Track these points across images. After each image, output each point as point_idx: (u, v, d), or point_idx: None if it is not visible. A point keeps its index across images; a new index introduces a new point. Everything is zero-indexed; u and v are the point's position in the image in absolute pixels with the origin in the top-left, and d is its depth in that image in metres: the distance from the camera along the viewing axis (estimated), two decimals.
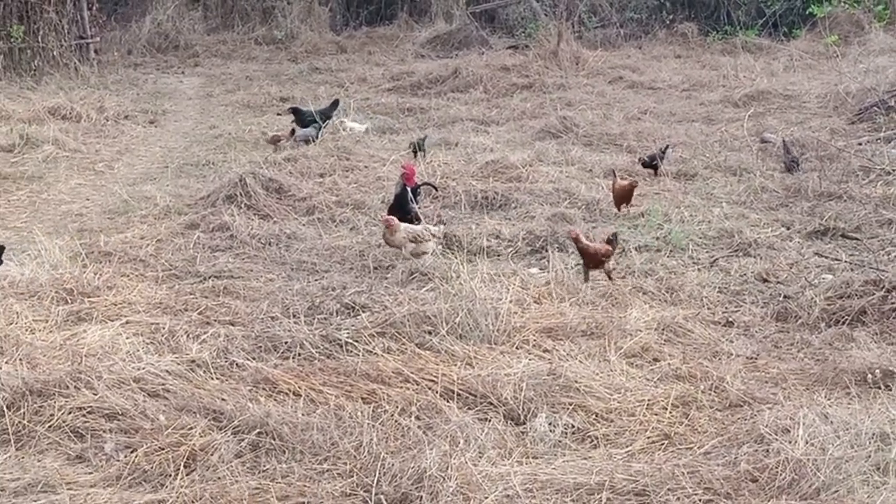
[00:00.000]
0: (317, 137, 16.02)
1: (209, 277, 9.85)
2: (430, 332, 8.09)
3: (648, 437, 6.57)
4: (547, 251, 10.43)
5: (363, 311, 8.69)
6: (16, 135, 16.86)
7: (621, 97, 20.56)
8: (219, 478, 5.92)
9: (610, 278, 9.52)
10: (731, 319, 8.74)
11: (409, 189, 10.99)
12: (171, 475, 6.01)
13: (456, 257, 9.75)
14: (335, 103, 17.58)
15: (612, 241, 9.69)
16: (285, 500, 5.59)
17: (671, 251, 10.54)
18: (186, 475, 5.99)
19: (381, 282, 9.55)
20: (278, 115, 20.43)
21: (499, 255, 10.45)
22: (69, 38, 25.04)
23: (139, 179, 14.90)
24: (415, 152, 10.85)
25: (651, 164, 13.80)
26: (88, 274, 9.72)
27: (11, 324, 8.59)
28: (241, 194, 12.44)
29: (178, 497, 5.65)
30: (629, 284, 9.43)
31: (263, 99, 22.04)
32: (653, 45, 27.00)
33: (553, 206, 12.05)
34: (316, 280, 9.76)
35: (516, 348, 7.91)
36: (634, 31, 28.38)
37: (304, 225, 11.74)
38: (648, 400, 7.03)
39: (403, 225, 10.30)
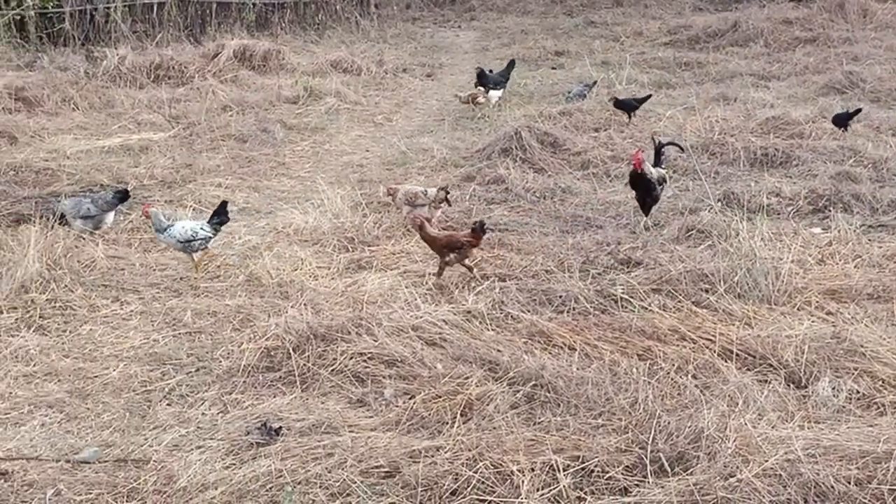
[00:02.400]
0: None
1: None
2: (707, 291, 7.93)
3: None
4: (830, 210, 10.05)
5: (638, 267, 8.61)
6: (300, 87, 17.49)
7: None
8: (494, 427, 5.97)
9: (470, 271, 8.69)
10: None
11: (644, 171, 10.14)
12: (447, 423, 6.10)
13: (735, 215, 9.50)
14: (511, 64, 17.30)
15: (476, 230, 8.71)
16: (560, 452, 5.57)
17: None
18: (463, 423, 6.07)
19: (656, 238, 9.42)
20: (553, 69, 20.42)
21: (779, 214, 10.13)
22: None
23: (416, 132, 15.18)
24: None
25: None
26: (368, 223, 9.97)
27: (296, 269, 8.92)
28: (516, 147, 12.52)
29: (455, 444, 5.71)
30: None
31: (538, 53, 22.10)
32: None
33: (837, 165, 11.59)
34: (590, 235, 9.71)
35: (798, 310, 7.65)
36: None
37: (578, 179, 11.70)
38: None
39: (402, 188, 10.35)
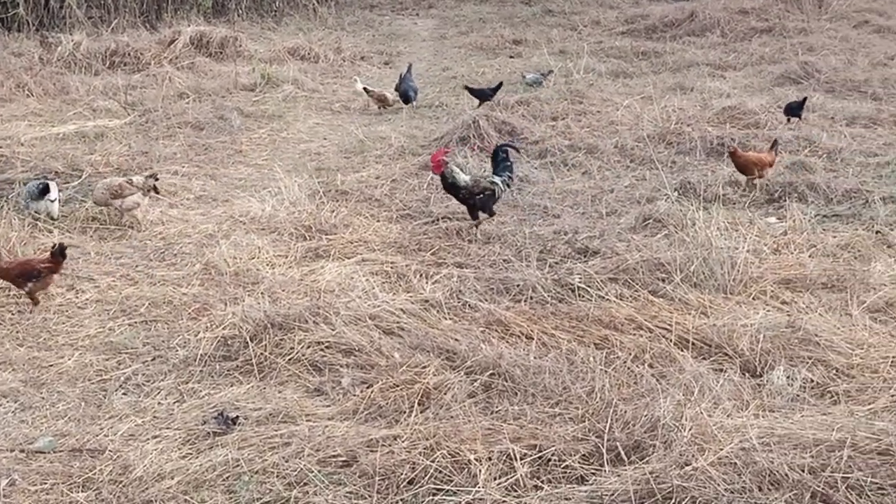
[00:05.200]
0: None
1: (442, 218, 9.93)
2: (663, 280, 7.97)
3: (893, 395, 6.30)
4: (785, 200, 10.11)
5: (595, 256, 8.65)
6: (257, 74, 17.39)
7: (866, 42, 19.79)
8: (452, 416, 5.98)
9: (34, 302, 7.97)
10: None
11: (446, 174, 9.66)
12: (405, 412, 6.10)
13: (691, 205, 9.54)
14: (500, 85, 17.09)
15: (55, 253, 7.99)
16: (518, 441, 5.59)
17: None
18: (420, 412, 6.07)
19: (613, 227, 9.45)
20: (510, 58, 20.43)
21: (734, 204, 10.18)
22: None
23: (374, 120, 15.14)
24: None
25: None
26: (325, 212, 9.95)
27: (254, 258, 8.90)
28: (473, 136, 12.55)
29: (412, 433, 5.72)
30: (872, 237, 9.04)
31: (496, 41, 22.07)
32: None
33: (792, 155, 11.68)
34: (548, 224, 9.74)
35: (753, 299, 7.71)
36: None
37: (536, 168, 11.73)
38: (894, 357, 6.74)
39: (101, 182, 10.13)
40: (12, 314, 7.88)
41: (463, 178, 9.60)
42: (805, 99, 13.54)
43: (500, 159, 9.97)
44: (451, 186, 9.64)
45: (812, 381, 6.47)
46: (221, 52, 19.53)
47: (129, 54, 18.78)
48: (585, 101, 14.78)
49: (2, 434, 6.13)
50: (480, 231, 9.48)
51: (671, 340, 6.91)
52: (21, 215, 9.60)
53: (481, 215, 9.60)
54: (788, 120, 13.17)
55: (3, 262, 7.94)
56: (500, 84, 15.47)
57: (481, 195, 9.57)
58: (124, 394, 6.65)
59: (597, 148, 12.25)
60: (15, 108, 15.13)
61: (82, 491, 5.48)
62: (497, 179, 9.71)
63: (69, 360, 7.13)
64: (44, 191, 9.77)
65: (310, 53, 19.99)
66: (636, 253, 8.40)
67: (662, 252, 8.36)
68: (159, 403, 6.48)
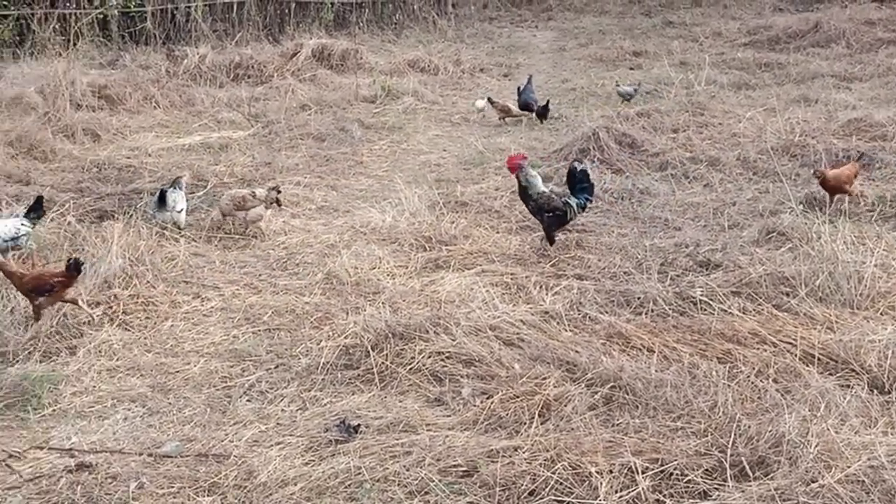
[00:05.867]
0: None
1: (562, 231, 9.88)
2: (787, 294, 7.84)
3: None
4: None
5: (717, 270, 8.54)
6: (378, 86, 17.57)
7: None
8: (572, 428, 5.96)
9: (36, 316, 7.73)
10: None
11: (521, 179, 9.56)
12: (525, 423, 6.09)
13: (816, 218, 9.37)
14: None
15: (70, 267, 7.73)
16: (639, 454, 5.55)
17: None
18: (541, 424, 6.06)
19: (735, 240, 9.31)
20: (630, 69, 20.33)
21: (861, 218, 9.97)
22: None
23: (494, 132, 15.18)
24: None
25: None
26: (445, 223, 9.99)
27: (374, 268, 8.98)
28: (593, 148, 12.51)
29: (532, 444, 5.71)
30: None
31: (616, 53, 22.01)
32: None
33: None
34: (669, 236, 9.65)
35: (881, 314, 7.53)
36: None
37: (656, 180, 11.63)
38: None
39: (227, 193, 10.25)
40: (140, 320, 8.06)
41: (539, 187, 9.50)
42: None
43: (577, 180, 9.64)
44: (523, 191, 9.52)
45: None
46: (342, 65, 19.80)
47: (252, 67, 19.15)
48: (707, 113, 14.63)
49: (130, 438, 6.26)
50: (603, 244, 9.42)
51: (796, 355, 6.78)
52: (149, 224, 9.82)
53: (554, 238, 9.43)
54: None
55: (17, 273, 7.80)
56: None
57: (550, 214, 9.38)
58: (248, 400, 6.75)
59: (718, 160, 12.11)
60: (143, 120, 15.51)
61: (208, 495, 5.58)
62: (572, 201, 9.48)
63: (195, 366, 7.27)
64: (161, 198, 10.01)
65: (429, 65, 20.15)
66: (759, 266, 8.27)
67: (787, 266, 8.23)
68: (282, 410, 6.56)
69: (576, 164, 9.95)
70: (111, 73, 18.39)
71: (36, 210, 9.09)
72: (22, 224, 8.94)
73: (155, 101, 16.47)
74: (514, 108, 15.76)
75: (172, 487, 5.65)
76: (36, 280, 7.72)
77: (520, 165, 9.51)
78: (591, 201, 9.73)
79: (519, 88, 16.15)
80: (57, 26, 20.57)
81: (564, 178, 9.97)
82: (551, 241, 9.42)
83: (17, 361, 7.27)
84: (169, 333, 7.86)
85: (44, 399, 6.73)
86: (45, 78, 16.13)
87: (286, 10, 24.31)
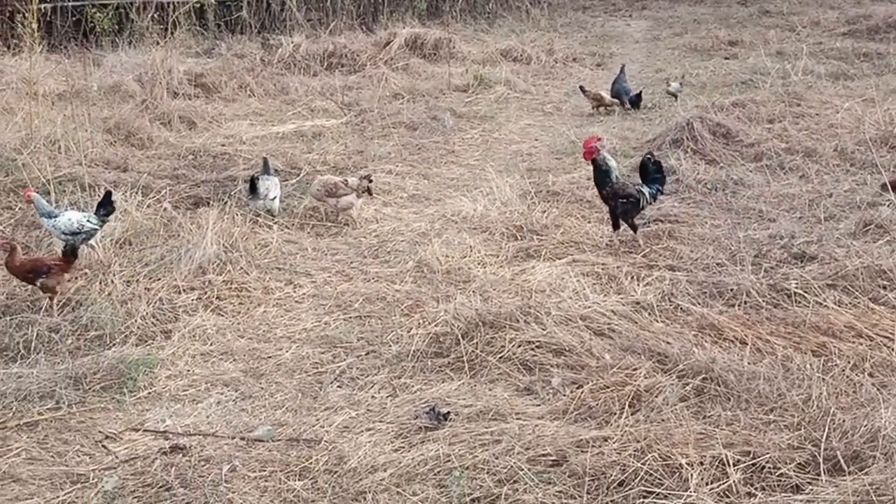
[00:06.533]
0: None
1: (654, 221, 9.84)
2: (885, 287, 7.72)
3: None
4: None
5: (812, 262, 8.41)
6: (470, 76, 17.58)
7: None
8: (663, 420, 5.91)
9: (50, 300, 7.93)
10: None
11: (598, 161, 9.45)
12: (615, 413, 6.06)
13: None
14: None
15: (66, 253, 8.00)
16: (731, 447, 5.49)
17: None
18: (631, 414, 6.03)
19: (831, 232, 9.16)
20: (725, 59, 20.09)
21: None
22: None
23: (586, 121, 15.12)
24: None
25: None
26: (537, 212, 9.98)
27: (465, 257, 9.00)
28: (687, 138, 12.38)
29: (622, 435, 5.68)
30: None
31: (711, 42, 21.76)
32: None
33: None
34: (763, 228, 9.53)
35: None
36: None
37: (751, 171, 11.48)
38: None
39: (318, 178, 10.28)
40: (234, 306, 8.16)
41: (615, 171, 9.44)
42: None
43: (650, 170, 9.57)
44: (602, 175, 9.36)
45: None
46: (435, 54, 19.83)
47: (345, 56, 19.27)
48: (803, 104, 14.38)
49: (224, 422, 6.36)
50: (696, 235, 9.33)
51: (893, 349, 6.67)
52: (243, 211, 9.93)
53: (622, 225, 9.35)
54: None
55: (17, 259, 7.93)
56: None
57: (625, 200, 9.27)
58: (339, 386, 6.81)
59: (815, 151, 11.92)
60: (238, 108, 15.69)
61: (299, 479, 5.64)
62: (645, 189, 9.38)
63: (287, 352, 7.35)
64: (252, 186, 10.11)
65: (522, 55, 20.10)
66: (856, 259, 8.14)
67: (884, 259, 8.09)
68: (373, 397, 6.61)
69: (648, 156, 9.90)
70: (207, 62, 18.61)
71: (105, 206, 8.82)
72: (88, 220, 8.70)
73: (250, 90, 16.66)
74: (607, 96, 15.67)
75: (264, 471, 5.73)
76: (33, 263, 7.96)
77: (596, 149, 9.44)
78: (662, 192, 9.66)
79: (616, 78, 16.09)
80: (155, 15, 20.87)
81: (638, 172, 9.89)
82: (617, 226, 9.38)
83: (114, 345, 7.41)
84: (262, 319, 7.96)
85: (139, 382, 6.86)
86: (142, 66, 16.46)
87: (380, 0, 24.42)
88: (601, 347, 6.86)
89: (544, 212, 10.03)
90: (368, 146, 13.23)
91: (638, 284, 8.18)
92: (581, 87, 15.99)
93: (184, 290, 8.25)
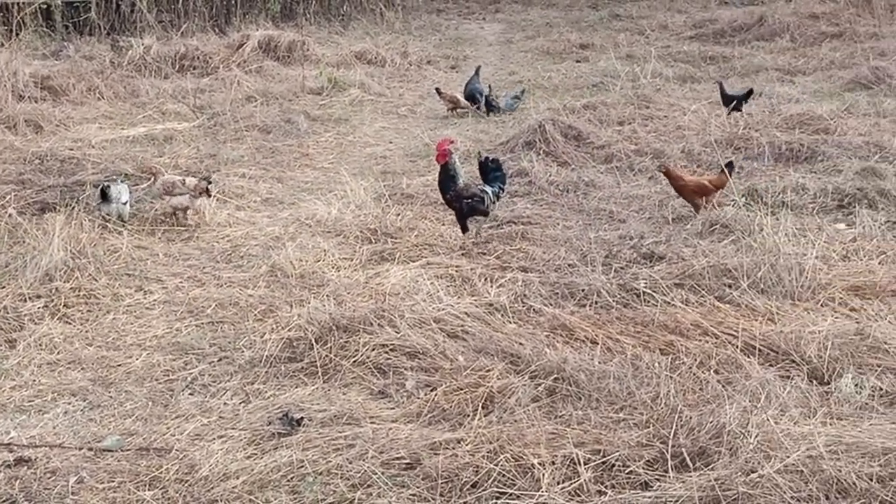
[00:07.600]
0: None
1: (507, 222, 9.92)
2: (730, 286, 7.89)
3: None
4: (855, 207, 9.97)
5: (661, 262, 8.58)
6: (324, 78, 17.52)
7: None
8: (516, 420, 5.96)
9: None
10: None
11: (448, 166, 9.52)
12: (469, 415, 6.09)
13: (759, 210, 9.44)
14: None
15: None
16: (581, 446, 5.56)
17: None
18: (484, 416, 6.06)
19: (679, 232, 9.37)
20: (577, 62, 20.39)
21: (803, 210, 10.05)
22: None
23: (440, 124, 15.20)
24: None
25: None
26: (391, 215, 9.98)
27: (319, 261, 8.94)
28: (539, 140, 12.53)
29: (476, 437, 5.71)
30: None
31: (563, 46, 22.06)
32: None
33: (862, 161, 11.48)
34: (613, 228, 9.70)
35: (821, 306, 7.60)
36: None
37: (602, 173, 11.68)
38: None
39: (161, 177, 10.25)
40: (82, 314, 7.98)
41: (462, 176, 9.50)
42: (751, 91, 14.24)
43: (489, 170, 9.69)
44: (448, 179, 9.43)
45: (881, 389, 6.36)
46: (289, 56, 19.69)
47: (198, 58, 19.02)
48: (652, 106, 14.71)
49: (71, 432, 6.21)
50: (548, 236, 9.44)
51: (737, 347, 6.82)
52: (91, 216, 9.72)
53: (470, 225, 9.44)
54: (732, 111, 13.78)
55: None
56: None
57: (469, 200, 9.37)
58: (191, 394, 6.71)
59: (663, 153, 12.17)
60: (86, 111, 15.36)
61: (149, 489, 5.53)
62: (488, 189, 9.49)
63: (137, 359, 7.22)
64: (103, 194, 9.89)
65: (376, 57, 20.11)
66: (702, 258, 8.32)
67: (729, 258, 8.28)
68: (225, 404, 6.53)
69: (486, 156, 10.02)
70: (55, 64, 18.18)
71: None
72: None
73: (99, 93, 16.32)
74: (462, 98, 15.77)
75: (113, 482, 5.61)
76: None
77: (449, 151, 9.49)
78: (504, 190, 9.77)
79: (469, 79, 16.20)
80: None
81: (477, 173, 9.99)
82: (465, 229, 9.44)
83: None
84: (111, 327, 7.80)
85: None
86: None
87: (232, 2, 24.16)
88: (455, 349, 6.88)
89: (398, 215, 10.04)
90: (221, 150, 13.08)
91: (491, 286, 8.24)
92: (437, 90, 16.07)
93: (29, 298, 8.03)
